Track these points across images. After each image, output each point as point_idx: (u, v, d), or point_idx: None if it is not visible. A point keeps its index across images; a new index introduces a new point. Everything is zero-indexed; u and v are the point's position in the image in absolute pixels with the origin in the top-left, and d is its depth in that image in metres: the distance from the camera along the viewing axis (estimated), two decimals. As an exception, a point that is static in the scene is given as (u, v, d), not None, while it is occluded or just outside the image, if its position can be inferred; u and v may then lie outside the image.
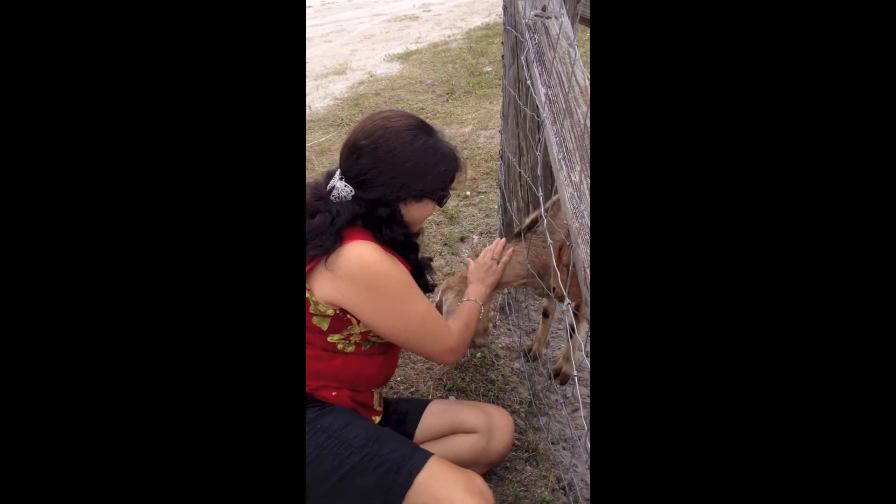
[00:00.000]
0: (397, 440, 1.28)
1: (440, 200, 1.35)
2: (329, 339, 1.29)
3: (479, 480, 1.25)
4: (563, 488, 1.57)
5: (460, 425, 1.50)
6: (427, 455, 1.25)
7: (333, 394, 1.32)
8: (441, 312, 1.72)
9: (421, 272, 1.42)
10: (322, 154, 3.49)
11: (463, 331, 1.43)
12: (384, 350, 1.39)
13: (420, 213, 1.34)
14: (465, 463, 1.48)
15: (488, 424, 1.50)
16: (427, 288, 1.46)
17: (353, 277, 1.20)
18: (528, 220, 1.72)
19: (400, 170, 1.24)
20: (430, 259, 1.50)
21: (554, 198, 1.65)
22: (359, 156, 1.25)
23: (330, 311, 1.24)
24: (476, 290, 1.60)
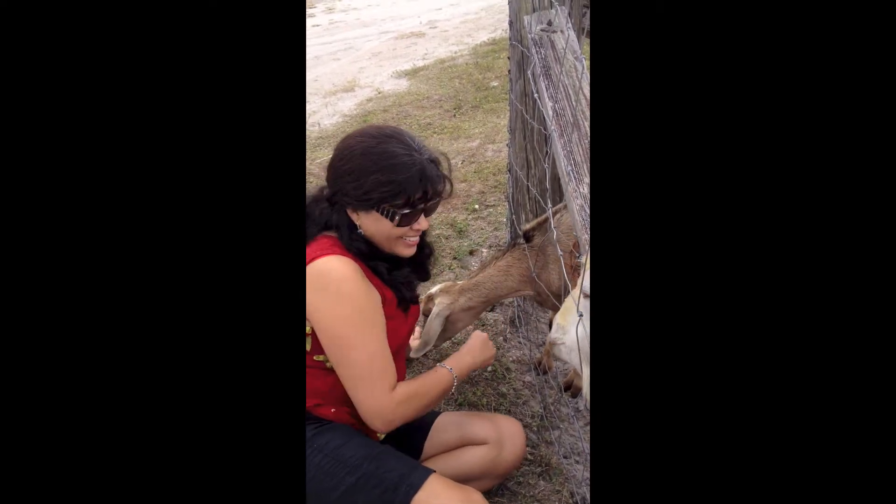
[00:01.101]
0: (396, 458, 1.25)
1: (391, 216, 1.22)
2: (315, 358, 1.27)
3: (476, 497, 1.22)
4: (577, 503, 1.56)
5: (470, 437, 1.48)
6: (426, 474, 1.22)
7: (332, 410, 1.30)
8: (427, 317, 1.69)
9: (397, 287, 1.33)
10: (331, 170, 3.52)
11: (410, 397, 1.25)
12: None
13: (374, 227, 1.25)
14: (476, 475, 1.47)
15: (498, 435, 1.47)
16: (406, 302, 1.36)
17: (319, 288, 1.17)
18: (526, 228, 1.72)
19: (339, 172, 1.24)
20: (413, 272, 1.40)
21: (558, 206, 1.65)
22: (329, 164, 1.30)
23: (308, 329, 1.23)
24: (460, 362, 1.40)
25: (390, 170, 1.19)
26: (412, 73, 5.40)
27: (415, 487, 1.18)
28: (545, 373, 1.98)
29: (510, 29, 1.98)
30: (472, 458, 1.47)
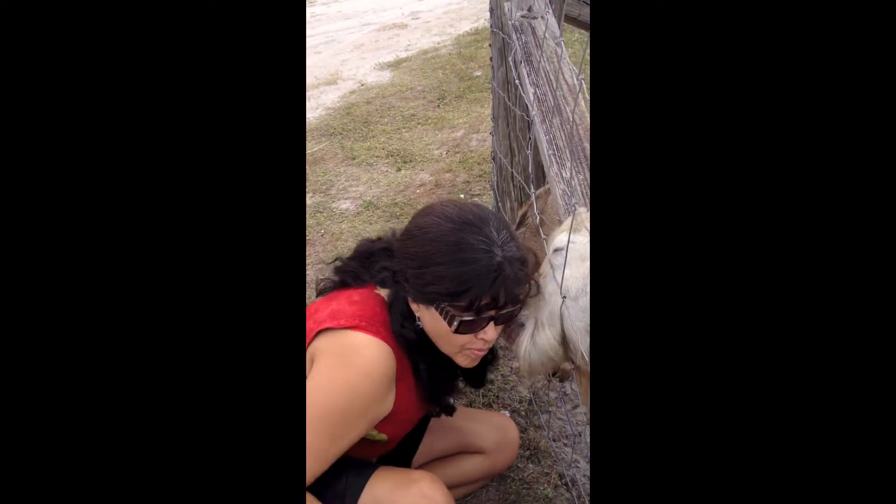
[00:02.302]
0: (349, 464, 1.16)
1: (449, 319, 1.01)
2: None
3: (425, 486, 1.14)
4: (566, 484, 1.58)
5: (467, 446, 1.42)
6: (368, 475, 1.15)
7: None
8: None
9: (436, 393, 1.15)
10: (315, 164, 3.50)
11: None
12: (377, 442, 1.22)
13: (432, 325, 1.05)
14: (472, 481, 1.45)
15: (496, 444, 1.42)
16: (442, 407, 1.19)
17: (336, 356, 1.04)
18: (521, 213, 1.73)
19: (406, 252, 1.06)
20: (456, 378, 1.19)
21: (541, 189, 1.66)
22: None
23: None
24: None
25: (458, 264, 0.98)
26: (395, 65, 5.38)
27: (358, 492, 1.13)
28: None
29: (491, 16, 1.98)
30: (467, 468, 1.43)
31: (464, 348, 1.06)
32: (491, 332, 1.05)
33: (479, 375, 1.27)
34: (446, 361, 1.12)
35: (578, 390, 1.72)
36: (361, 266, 1.18)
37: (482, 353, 1.09)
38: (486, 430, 1.43)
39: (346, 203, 3.07)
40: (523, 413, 1.82)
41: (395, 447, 1.34)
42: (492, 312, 1.01)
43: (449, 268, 0.98)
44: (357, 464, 1.18)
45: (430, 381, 1.12)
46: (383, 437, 1.19)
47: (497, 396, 1.88)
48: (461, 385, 1.31)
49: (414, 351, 1.09)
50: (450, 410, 1.21)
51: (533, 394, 1.87)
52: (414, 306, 1.07)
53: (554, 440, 1.72)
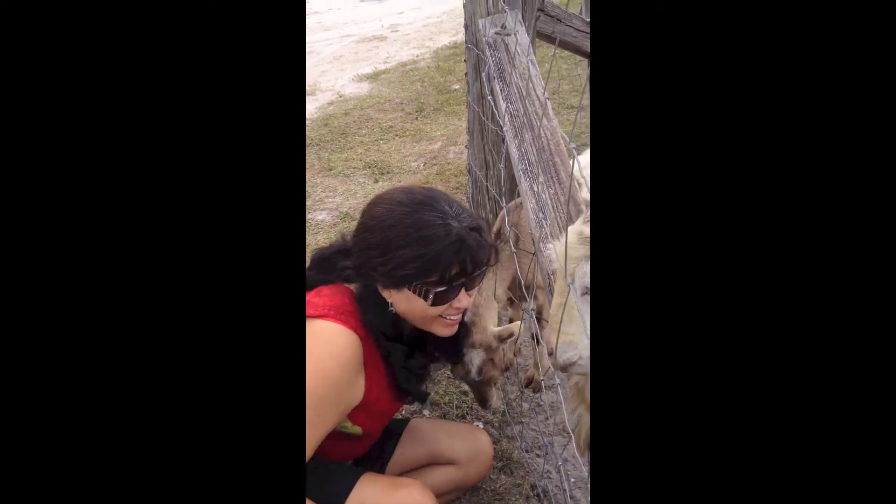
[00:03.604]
0: (333, 472, 1.17)
1: (424, 295, 1.06)
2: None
3: (415, 491, 1.15)
4: (538, 495, 1.59)
5: (439, 456, 1.43)
6: (355, 479, 1.16)
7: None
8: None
9: (406, 378, 1.17)
10: (292, 174, 3.50)
11: None
12: (351, 437, 1.25)
13: (407, 306, 1.09)
14: (444, 492, 1.44)
15: (469, 455, 1.42)
16: (413, 395, 1.22)
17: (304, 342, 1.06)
18: (495, 229, 1.75)
19: (366, 244, 1.09)
20: (429, 364, 1.24)
21: (512, 203, 1.68)
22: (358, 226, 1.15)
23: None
24: None
25: (421, 242, 1.02)
26: (374, 77, 5.40)
27: (342, 495, 1.14)
28: (506, 370, 2.01)
29: (466, 32, 2.02)
30: (440, 479, 1.43)
31: (439, 319, 1.13)
32: (464, 300, 1.11)
33: (454, 350, 1.34)
34: (418, 347, 1.17)
35: (561, 395, 1.73)
36: (321, 273, 1.21)
37: (458, 320, 1.16)
38: (459, 441, 1.44)
39: (322, 214, 3.07)
40: (496, 424, 1.83)
41: (367, 455, 1.34)
42: (462, 280, 1.08)
43: (413, 249, 1.02)
44: (343, 468, 1.19)
45: (405, 367, 1.16)
46: (358, 429, 1.20)
47: (471, 408, 1.88)
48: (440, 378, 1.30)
49: (386, 338, 1.13)
50: (423, 397, 1.25)
51: (506, 405, 1.88)
52: (385, 293, 1.11)
53: (527, 451, 1.73)
